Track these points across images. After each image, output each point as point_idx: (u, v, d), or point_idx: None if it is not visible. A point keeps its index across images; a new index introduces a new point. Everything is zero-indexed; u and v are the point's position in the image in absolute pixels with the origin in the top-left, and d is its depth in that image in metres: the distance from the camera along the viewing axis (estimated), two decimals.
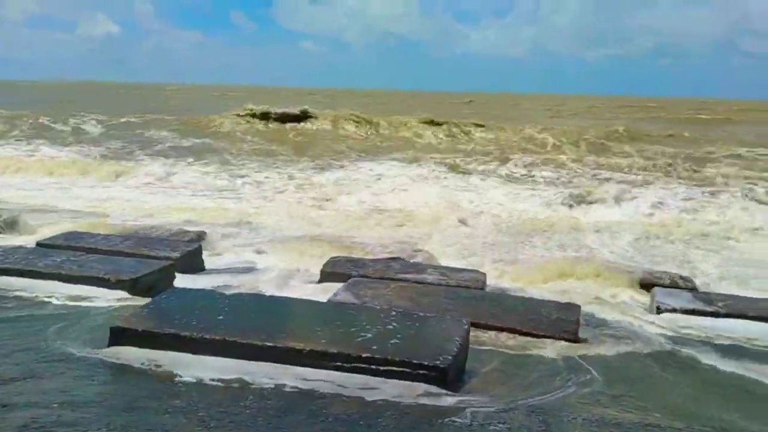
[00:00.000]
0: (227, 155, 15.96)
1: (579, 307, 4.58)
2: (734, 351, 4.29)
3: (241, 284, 5.42)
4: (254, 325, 3.47)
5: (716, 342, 4.47)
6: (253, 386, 3.02)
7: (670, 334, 4.60)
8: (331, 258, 5.99)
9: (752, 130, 23.91)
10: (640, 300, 5.54)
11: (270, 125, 21.47)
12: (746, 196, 12.00)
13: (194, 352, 3.26)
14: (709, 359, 4.06)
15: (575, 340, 4.12)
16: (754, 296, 5.48)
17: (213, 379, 3.07)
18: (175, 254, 5.57)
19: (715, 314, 4.90)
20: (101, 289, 4.64)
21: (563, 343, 4.07)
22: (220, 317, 3.53)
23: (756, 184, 13.07)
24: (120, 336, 3.38)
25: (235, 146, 17.58)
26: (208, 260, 6.20)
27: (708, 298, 5.28)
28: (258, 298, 4.20)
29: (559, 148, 18.62)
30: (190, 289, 4.24)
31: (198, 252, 5.99)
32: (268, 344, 3.24)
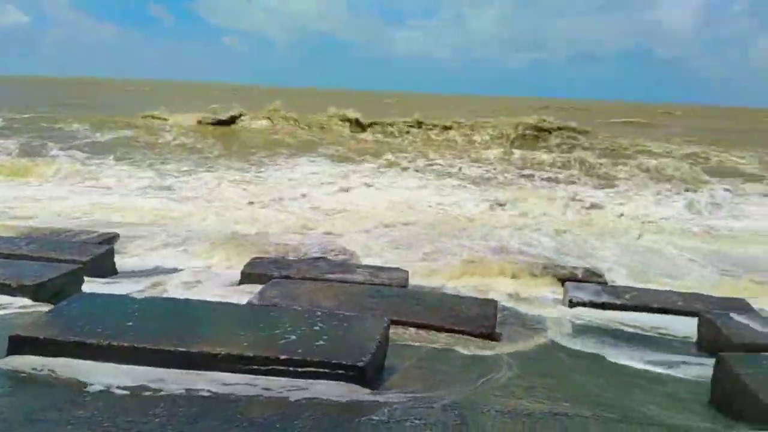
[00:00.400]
0: (149, 151, 15.38)
1: (496, 302, 4.71)
2: (639, 341, 4.53)
3: (156, 287, 5.24)
4: (166, 331, 3.34)
5: (623, 333, 4.71)
6: (164, 393, 2.91)
7: (580, 326, 4.81)
8: (253, 259, 5.88)
9: (668, 131, 25.40)
10: (554, 295, 5.76)
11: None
12: (658, 193, 12.75)
13: (101, 361, 3.11)
14: (615, 349, 4.27)
15: (492, 335, 4.23)
16: (658, 289, 5.81)
17: (120, 388, 2.93)
18: (84, 257, 5.30)
19: (623, 307, 5.16)
20: (1, 295, 4.35)
21: (481, 338, 4.17)
22: (130, 323, 3.38)
23: (669, 181, 13.90)
24: (19, 345, 3.18)
25: (158, 142, 16.96)
26: (122, 263, 5.94)
27: (616, 291, 5.56)
28: (172, 302, 4.05)
29: (484, 145, 19.13)
30: (98, 294, 4.04)
31: (109, 255, 5.73)
32: (181, 350, 3.13)
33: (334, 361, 3.11)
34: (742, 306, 5.17)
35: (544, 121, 21.28)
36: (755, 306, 5.24)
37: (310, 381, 3.08)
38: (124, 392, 2.90)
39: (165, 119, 21.16)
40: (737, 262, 7.65)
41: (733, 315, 4.91)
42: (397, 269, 5.82)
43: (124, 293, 4.36)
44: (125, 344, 3.13)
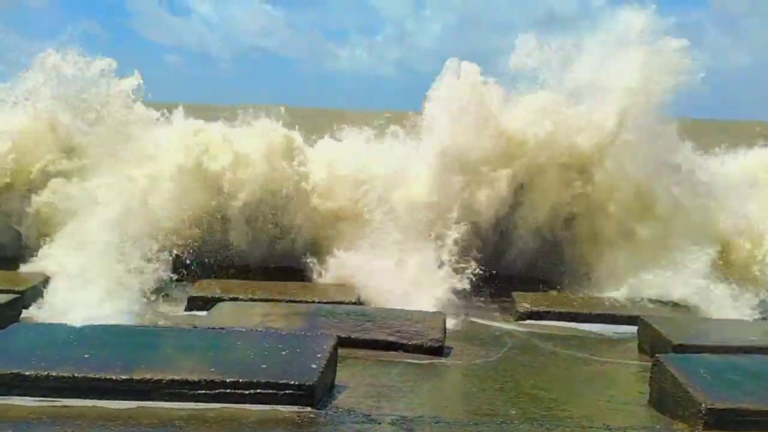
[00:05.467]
0: None
1: (444, 315, 4.76)
2: (584, 347, 4.66)
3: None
4: (108, 358, 3.26)
5: (568, 339, 4.85)
6: (98, 428, 2.81)
7: (527, 335, 4.92)
8: (198, 282, 5.78)
9: None
10: (503, 306, 5.84)
11: None
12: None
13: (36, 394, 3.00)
14: (560, 355, 4.39)
15: (441, 348, 4.27)
16: (601, 296, 5.99)
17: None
18: None
19: (568, 315, 5.32)
20: None
21: (429, 352, 4.21)
22: (67, 352, 3.28)
23: None
24: None
25: None
26: None
27: (563, 299, 5.75)
28: (114, 329, 3.94)
29: None
30: (35, 324, 3.90)
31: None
32: (123, 377, 3.05)
33: (281, 382, 3.09)
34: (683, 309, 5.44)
35: None
36: None
37: (254, 405, 3.05)
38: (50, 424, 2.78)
39: None
40: None
41: (670, 317, 5.15)
42: (348, 286, 5.81)
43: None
44: (64, 374, 3.03)
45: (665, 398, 3.27)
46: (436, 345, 4.28)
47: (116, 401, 3.00)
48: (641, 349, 4.59)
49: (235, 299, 5.18)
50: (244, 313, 4.71)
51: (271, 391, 3.07)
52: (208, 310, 4.88)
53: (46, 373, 3.04)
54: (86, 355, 3.26)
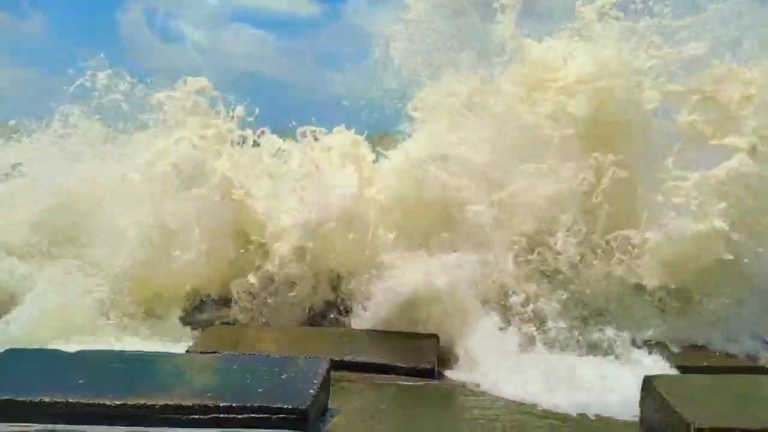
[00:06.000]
0: None
1: (437, 337, 4.76)
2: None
3: None
4: (101, 384, 3.26)
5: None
6: None
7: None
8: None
9: None
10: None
11: None
12: None
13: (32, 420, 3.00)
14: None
15: (433, 371, 4.28)
16: None
17: None
18: None
19: None
20: None
21: (422, 375, 4.22)
22: (61, 378, 3.28)
23: None
24: None
25: None
26: None
27: None
28: (105, 355, 3.94)
29: None
30: (25, 349, 3.88)
31: None
32: (117, 403, 3.06)
33: (275, 406, 3.10)
34: None
35: None
36: None
37: (252, 428, 3.06)
38: None
39: None
40: None
41: None
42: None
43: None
44: (57, 400, 3.03)
45: (656, 419, 3.30)
46: (429, 367, 4.28)
47: (111, 427, 3.00)
48: None
49: (227, 323, 5.20)
50: (235, 336, 4.73)
51: (264, 415, 3.08)
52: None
53: (39, 399, 3.04)
54: (80, 381, 3.26)
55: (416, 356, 4.42)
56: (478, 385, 4.12)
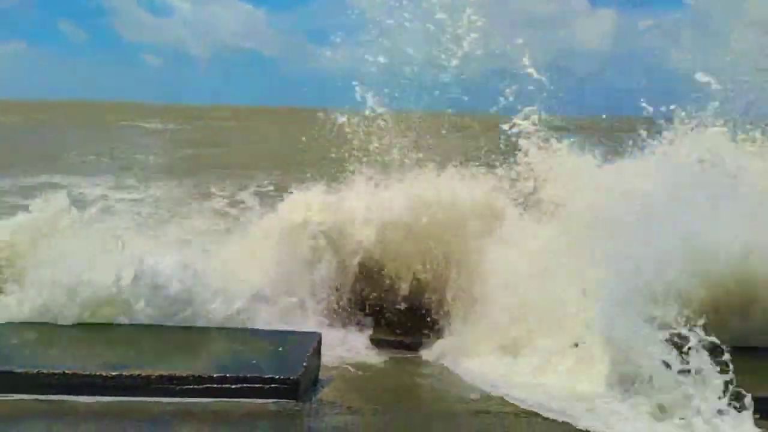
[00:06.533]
0: None
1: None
2: None
3: None
4: (96, 356, 3.34)
5: None
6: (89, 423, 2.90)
7: None
8: None
9: None
10: None
11: None
12: None
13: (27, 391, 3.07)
14: None
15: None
16: None
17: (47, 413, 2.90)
18: None
19: None
20: None
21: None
22: (56, 350, 3.35)
23: None
24: None
25: None
26: None
27: None
28: (99, 328, 4.00)
29: None
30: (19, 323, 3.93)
31: None
32: (113, 374, 3.14)
33: (267, 376, 3.20)
34: None
35: None
36: None
37: (245, 398, 3.15)
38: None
39: None
40: None
41: None
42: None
43: None
44: (55, 371, 3.10)
45: None
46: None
47: (106, 397, 3.08)
48: None
49: None
50: None
51: (257, 385, 3.18)
52: None
53: (36, 370, 3.12)
54: (76, 353, 3.34)
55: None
56: None
